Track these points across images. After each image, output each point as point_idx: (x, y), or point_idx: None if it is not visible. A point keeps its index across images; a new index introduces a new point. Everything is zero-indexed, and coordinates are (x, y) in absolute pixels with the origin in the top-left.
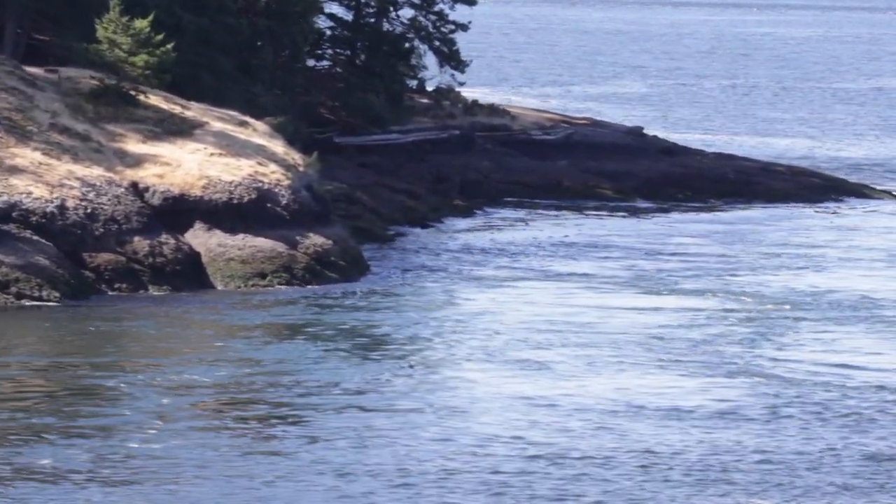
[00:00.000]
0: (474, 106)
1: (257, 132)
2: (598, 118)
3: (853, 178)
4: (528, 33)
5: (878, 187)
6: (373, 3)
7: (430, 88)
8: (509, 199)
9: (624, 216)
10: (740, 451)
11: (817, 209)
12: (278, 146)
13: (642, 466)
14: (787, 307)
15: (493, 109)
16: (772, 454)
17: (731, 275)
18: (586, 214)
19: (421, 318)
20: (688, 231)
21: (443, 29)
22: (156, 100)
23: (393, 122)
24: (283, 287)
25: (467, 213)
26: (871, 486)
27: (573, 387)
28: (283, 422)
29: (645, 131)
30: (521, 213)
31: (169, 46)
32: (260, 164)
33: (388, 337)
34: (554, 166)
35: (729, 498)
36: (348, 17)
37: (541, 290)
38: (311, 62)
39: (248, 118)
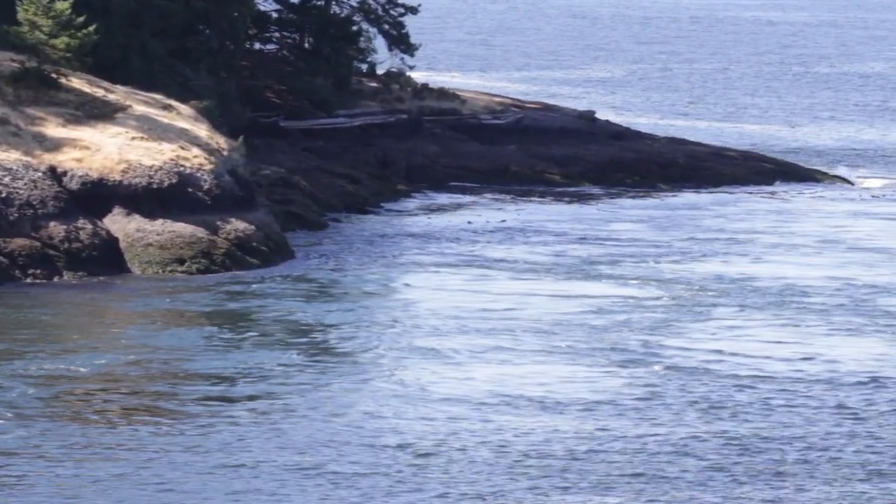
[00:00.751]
0: (423, 90)
1: (182, 116)
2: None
3: (812, 163)
4: (519, 16)
5: (833, 172)
6: None
7: (385, 72)
8: (455, 183)
9: (568, 201)
10: (601, 440)
11: (763, 194)
12: (202, 130)
13: (494, 457)
14: (707, 294)
15: (442, 93)
16: (634, 444)
17: (660, 261)
18: (530, 199)
19: (330, 305)
20: (628, 216)
21: (392, 12)
22: (78, 83)
23: (340, 106)
24: (201, 273)
25: (409, 198)
26: (729, 478)
27: (454, 376)
28: (145, 412)
29: (597, 115)
30: (464, 198)
31: (91, 29)
32: (182, 148)
33: (289, 323)
34: (502, 151)
35: (576, 489)
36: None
37: (462, 276)
38: (259, 45)
39: (173, 102)
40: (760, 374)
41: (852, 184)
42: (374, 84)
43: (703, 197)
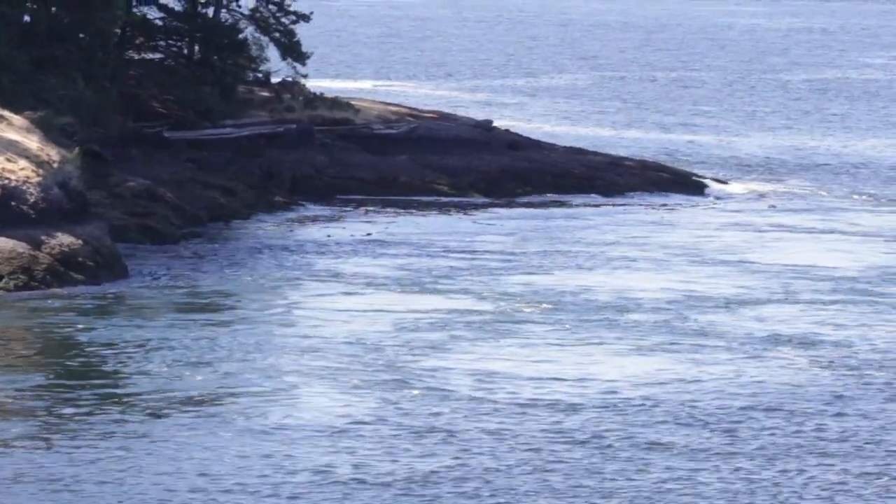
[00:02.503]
0: (316, 99)
1: (12, 127)
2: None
3: (726, 173)
4: (492, 24)
5: (737, 182)
6: None
7: (279, 81)
8: (342, 195)
9: (449, 212)
10: (325, 473)
11: (651, 204)
12: (33, 142)
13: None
14: (533, 308)
15: (335, 103)
16: (346, 474)
17: (503, 274)
18: (410, 211)
19: (138, 324)
20: (501, 228)
21: (283, 20)
22: None
23: (227, 116)
24: (19, 290)
25: (285, 209)
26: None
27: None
28: None
29: (495, 124)
30: (343, 211)
31: None
32: (8, 160)
33: (79, 344)
34: (393, 161)
35: None
36: (181, 7)
37: (297, 290)
38: (147, 55)
39: (5, 112)
40: (520, 398)
41: (761, 194)
42: (266, 93)
43: (588, 208)
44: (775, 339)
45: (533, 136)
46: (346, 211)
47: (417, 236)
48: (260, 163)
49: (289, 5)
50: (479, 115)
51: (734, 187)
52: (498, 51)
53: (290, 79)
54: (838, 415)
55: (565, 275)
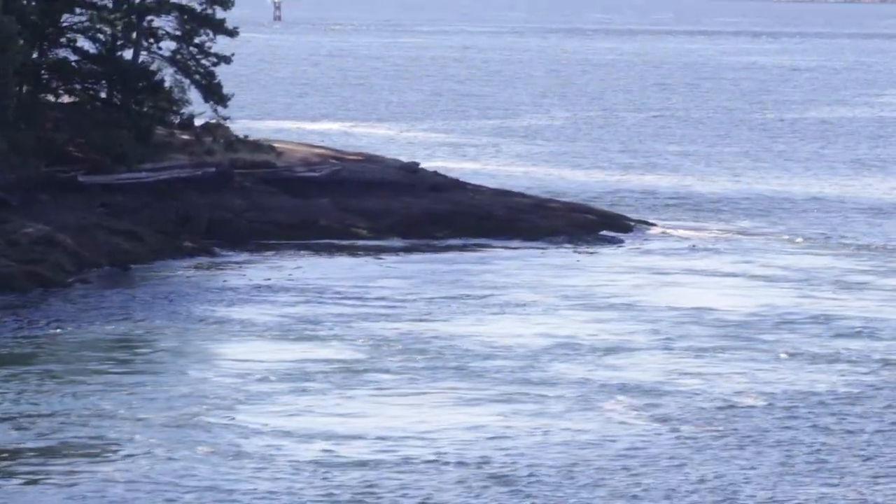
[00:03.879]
0: (237, 142)
1: None
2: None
3: (659, 214)
4: (483, 65)
5: (663, 223)
6: (120, 36)
7: (203, 123)
8: (259, 239)
9: (358, 256)
10: None
11: (568, 247)
12: None
13: None
14: (390, 358)
15: (257, 146)
16: None
17: (385, 321)
18: (321, 255)
19: None
20: (404, 272)
21: (204, 62)
22: None
23: (143, 160)
24: None
25: (193, 255)
26: None
27: None
28: None
29: (421, 166)
30: (253, 256)
31: None
32: None
33: None
34: (313, 204)
35: None
36: (95, 49)
37: (168, 339)
38: (66, 98)
39: None
40: (301, 454)
41: (689, 236)
42: (187, 136)
43: (504, 251)
44: (622, 389)
45: (491, 177)
46: (256, 256)
47: (317, 281)
48: (175, 207)
49: (209, 47)
50: (446, 155)
51: (664, 229)
52: (485, 91)
53: (213, 121)
54: (649, 472)
55: (446, 321)
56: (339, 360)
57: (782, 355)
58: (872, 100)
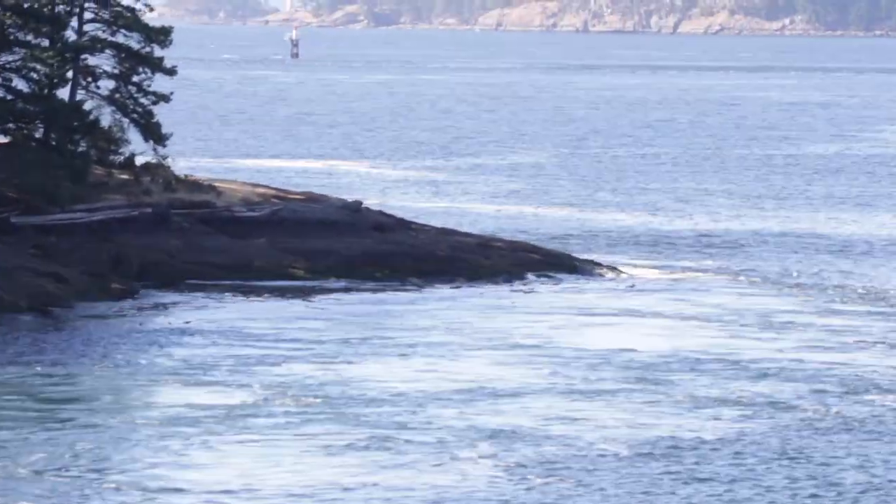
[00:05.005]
0: (176, 182)
1: None
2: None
3: (608, 252)
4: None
5: (607, 263)
6: (55, 75)
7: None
8: (193, 281)
9: (288, 298)
10: None
11: (505, 287)
12: None
13: None
14: (277, 403)
15: (196, 185)
16: None
17: (286, 363)
18: (251, 297)
19: None
20: (328, 314)
21: (142, 100)
22: None
23: (76, 200)
24: None
25: (121, 297)
26: None
27: None
28: None
29: (364, 205)
30: (182, 298)
31: None
32: None
33: None
34: (251, 245)
35: None
36: (30, 89)
37: (40, 385)
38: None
39: None
40: None
41: (630, 276)
42: (125, 176)
43: (439, 291)
44: (490, 435)
45: (460, 216)
46: (185, 298)
47: (235, 323)
48: (108, 248)
49: (148, 86)
50: (419, 192)
51: (612, 268)
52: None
53: (154, 160)
54: None
55: (349, 364)
56: (222, 406)
57: (677, 399)
58: (871, 135)
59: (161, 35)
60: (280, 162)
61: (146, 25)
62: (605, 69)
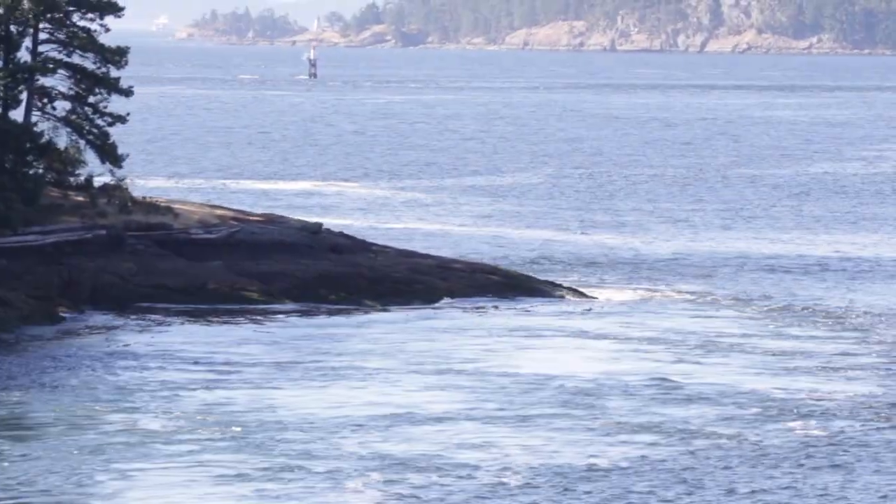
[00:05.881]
0: (132, 203)
1: None
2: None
3: (575, 274)
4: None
5: (568, 285)
6: (7, 97)
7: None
8: (144, 304)
9: (237, 320)
10: None
11: (457, 309)
12: None
13: None
14: (185, 429)
15: (153, 207)
16: None
17: (209, 389)
18: (199, 319)
19: None
20: (268, 338)
21: (99, 122)
22: None
23: (29, 223)
24: None
25: (63, 322)
26: None
27: None
28: None
29: (324, 227)
30: (130, 320)
31: None
32: None
33: None
34: (205, 267)
35: None
36: None
37: None
38: None
39: None
40: None
41: (590, 297)
42: (82, 198)
43: (391, 313)
44: (385, 464)
45: (441, 237)
46: (133, 321)
47: (174, 346)
48: (59, 271)
49: (104, 107)
50: (402, 214)
51: (574, 290)
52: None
53: (112, 182)
54: None
55: (274, 389)
56: (138, 431)
57: (595, 425)
58: (872, 154)
59: (116, 56)
60: (275, 184)
61: (102, 46)
62: (618, 88)
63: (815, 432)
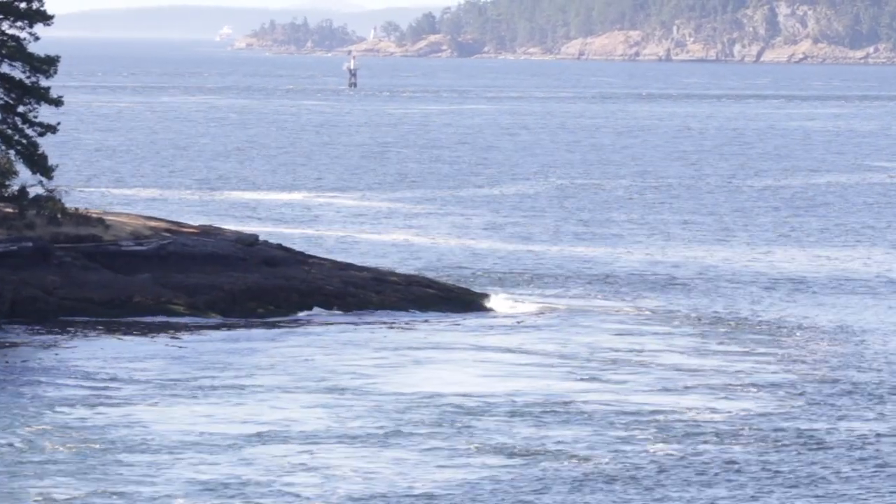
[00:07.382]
0: (63, 215)
1: None
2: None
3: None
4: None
5: (501, 297)
6: None
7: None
8: (66, 317)
9: (153, 335)
10: None
11: (391, 323)
12: None
13: None
14: (45, 448)
15: (83, 218)
16: None
17: (84, 405)
18: (117, 333)
19: None
20: (182, 352)
21: (28, 132)
22: None
23: None
24: None
25: None
26: None
27: None
28: None
29: (261, 239)
30: (50, 335)
31: None
32: None
33: None
34: (132, 280)
35: None
36: None
37: None
38: None
39: None
40: None
41: (525, 311)
42: (10, 209)
43: (318, 327)
44: (209, 488)
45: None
46: (50, 336)
47: (75, 362)
48: None
49: (34, 116)
50: (374, 224)
51: (513, 303)
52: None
53: (45, 193)
54: None
55: (146, 406)
56: None
57: (460, 446)
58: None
59: (45, 65)
60: (263, 195)
61: (31, 55)
62: (660, 98)
63: (701, 449)
